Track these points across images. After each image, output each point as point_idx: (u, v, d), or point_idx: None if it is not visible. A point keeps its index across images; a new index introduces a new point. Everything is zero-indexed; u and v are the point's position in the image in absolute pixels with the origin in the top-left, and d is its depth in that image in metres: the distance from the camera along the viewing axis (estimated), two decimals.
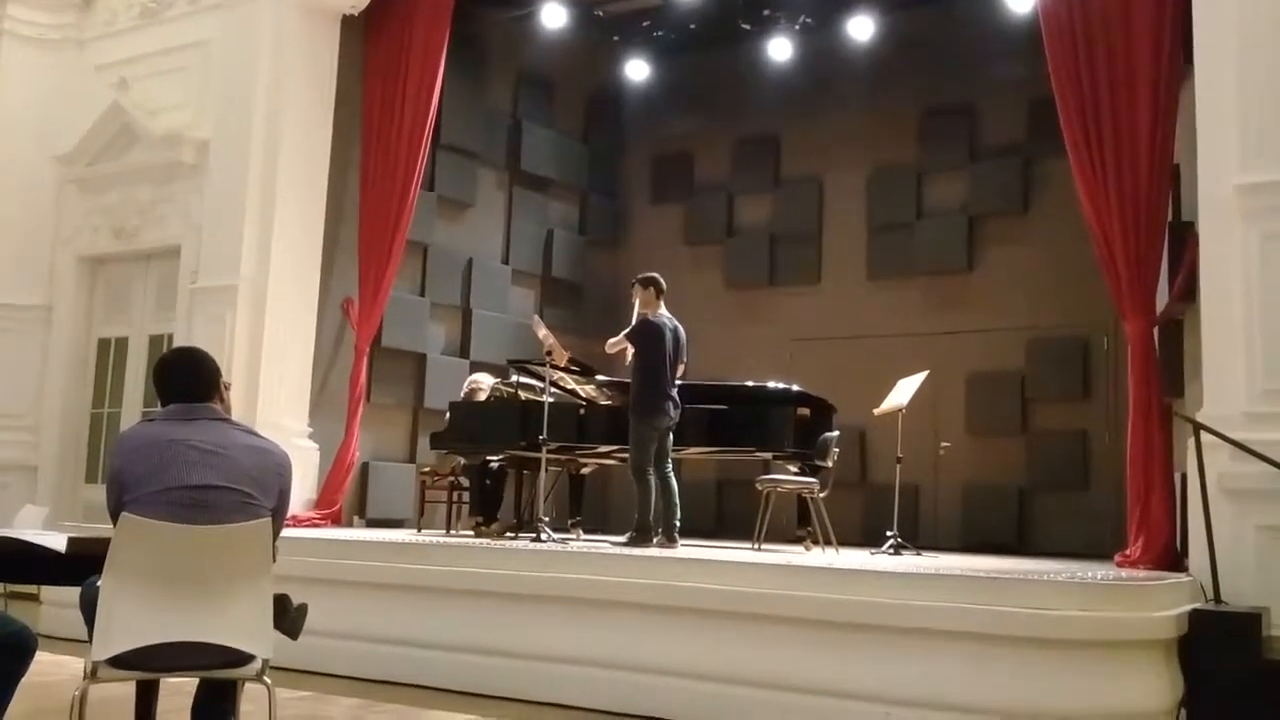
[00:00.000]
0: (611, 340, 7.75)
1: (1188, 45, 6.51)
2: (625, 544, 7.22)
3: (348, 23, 9.58)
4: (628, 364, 7.66)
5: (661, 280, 7.62)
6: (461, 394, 9.12)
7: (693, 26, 11.17)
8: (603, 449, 8.30)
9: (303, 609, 3.79)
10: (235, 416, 3.84)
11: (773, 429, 8.10)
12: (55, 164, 10.24)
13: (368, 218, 9.50)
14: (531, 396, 8.35)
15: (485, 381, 9.08)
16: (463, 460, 8.88)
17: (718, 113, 12.00)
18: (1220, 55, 6.18)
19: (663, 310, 7.56)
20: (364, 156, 9.62)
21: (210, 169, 9.39)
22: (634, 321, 7.58)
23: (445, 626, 6.42)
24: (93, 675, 3.31)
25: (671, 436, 7.50)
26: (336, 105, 9.46)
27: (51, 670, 5.48)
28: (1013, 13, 9.46)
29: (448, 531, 8.89)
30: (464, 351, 10.77)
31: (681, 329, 7.60)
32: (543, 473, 7.89)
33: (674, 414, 7.41)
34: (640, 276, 7.70)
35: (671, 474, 7.48)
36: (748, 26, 11.02)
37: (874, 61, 10.73)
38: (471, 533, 8.52)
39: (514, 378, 8.80)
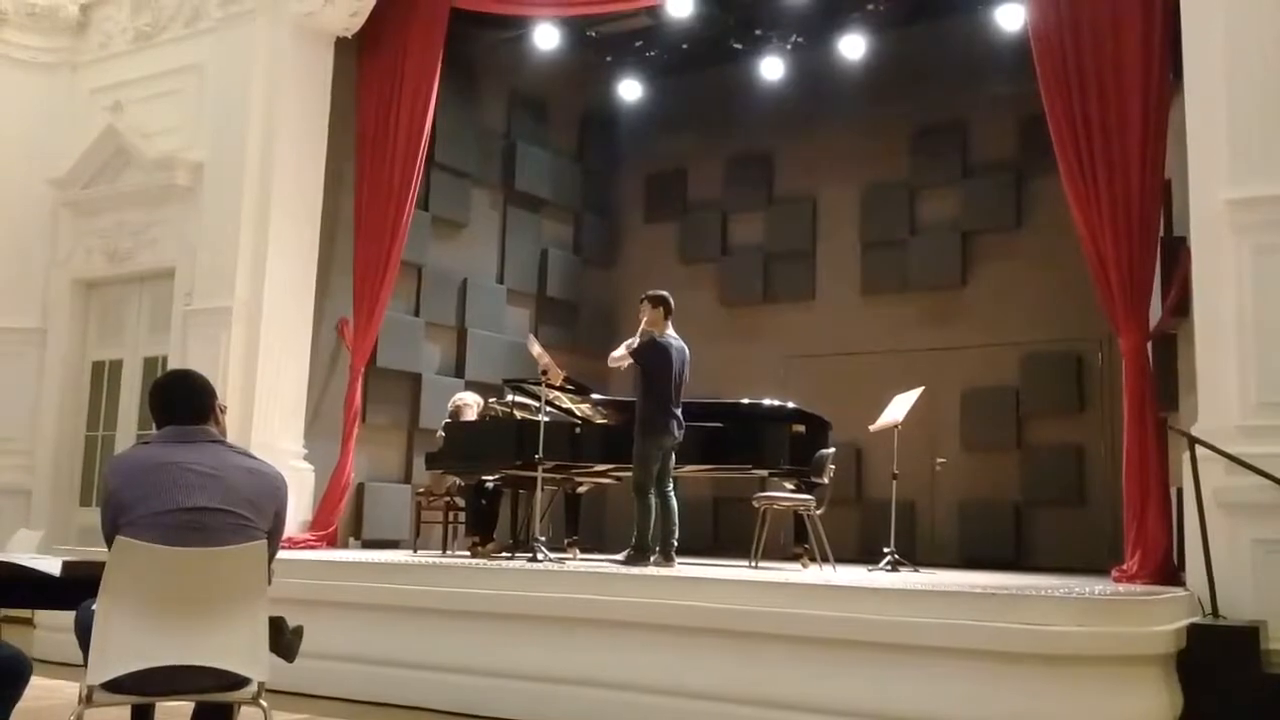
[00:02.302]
0: (615, 354, 7.74)
1: (1177, 60, 6.55)
2: (622, 563, 7.21)
3: (341, 45, 9.61)
4: (623, 368, 7.65)
5: (671, 300, 7.62)
6: (447, 413, 9.10)
7: (685, 46, 11.22)
8: (599, 467, 8.30)
9: (299, 631, 3.78)
10: (230, 438, 3.83)
11: (768, 446, 8.11)
12: (49, 187, 10.24)
13: (362, 238, 9.51)
14: (527, 416, 8.35)
15: (471, 399, 9.08)
16: (458, 480, 8.87)
17: (711, 131, 12.04)
18: (1210, 70, 6.21)
19: (670, 330, 7.57)
20: (358, 177, 9.64)
21: (205, 191, 9.40)
22: (639, 338, 7.57)
23: (442, 648, 6.40)
24: (88, 700, 3.30)
25: (674, 456, 7.50)
26: (330, 127, 9.48)
27: (46, 695, 5.44)
28: (1003, 30, 9.52)
29: (444, 552, 8.87)
30: (459, 371, 10.77)
31: (686, 349, 7.61)
32: (538, 492, 7.88)
33: (678, 433, 7.41)
34: (651, 294, 7.68)
35: (672, 494, 7.48)
36: (740, 46, 11.07)
37: (866, 79, 10.77)
38: (468, 553, 8.50)
39: (509, 397, 8.80)
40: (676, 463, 7.76)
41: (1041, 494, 9.98)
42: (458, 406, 9.04)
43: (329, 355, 9.53)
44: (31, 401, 10.17)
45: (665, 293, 7.66)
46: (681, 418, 7.44)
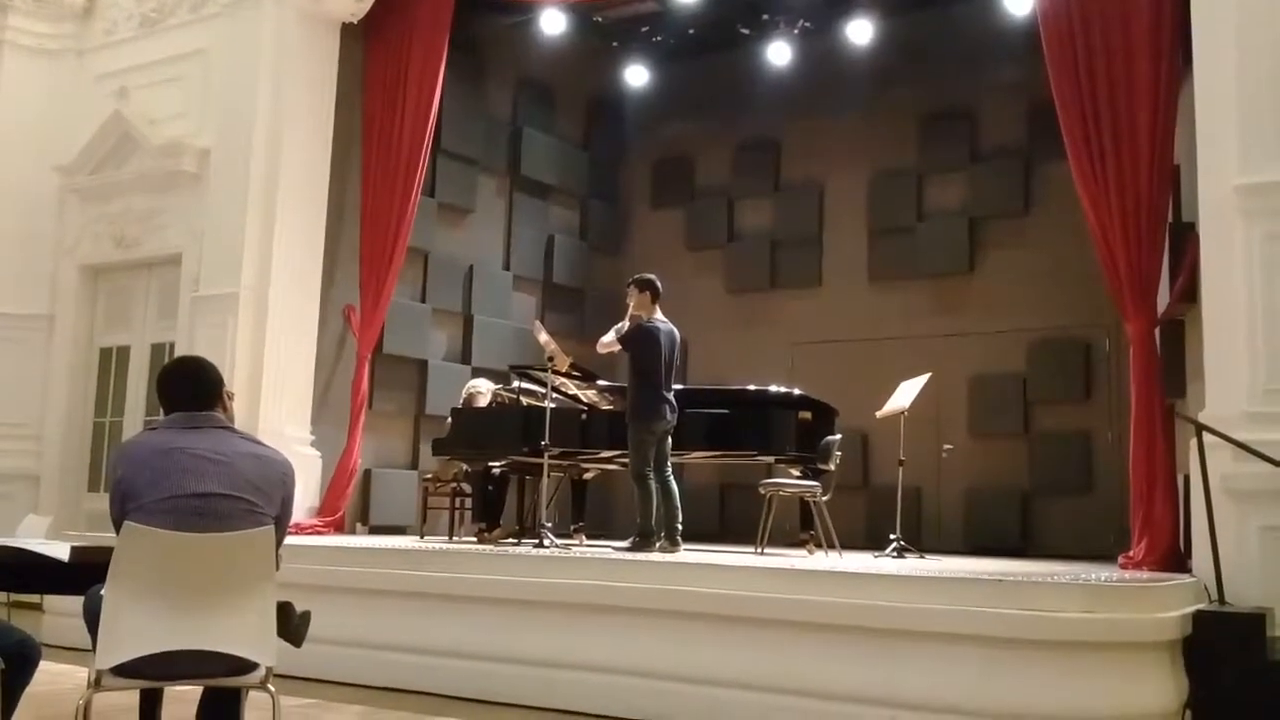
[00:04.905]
0: (604, 339, 7.74)
1: (1186, 46, 6.52)
2: (628, 549, 7.22)
3: (347, 30, 9.60)
4: (614, 354, 7.67)
5: (658, 283, 7.59)
6: (460, 399, 9.12)
7: (692, 32, 11.19)
8: (605, 454, 8.30)
9: (306, 616, 3.79)
10: (237, 424, 3.84)
11: (775, 433, 8.09)
12: (56, 173, 10.26)
13: (369, 224, 9.51)
14: (533, 402, 8.36)
15: (484, 386, 9.09)
16: (465, 466, 8.88)
17: (718, 117, 12.01)
18: (1219, 56, 6.18)
19: (658, 314, 7.55)
20: (365, 163, 9.63)
21: (211, 177, 9.41)
22: (627, 323, 7.56)
23: (448, 633, 6.42)
24: (96, 684, 3.31)
25: (670, 440, 7.49)
26: (337, 112, 9.47)
27: (55, 680, 5.47)
28: (1011, 15, 9.46)
29: (450, 538, 8.88)
30: (465, 358, 10.78)
31: (677, 332, 7.59)
32: (545, 478, 7.89)
33: (671, 418, 7.39)
34: (636, 278, 7.67)
35: (671, 478, 7.47)
36: (747, 31, 11.03)
37: (873, 65, 10.73)
38: (474, 539, 8.52)
39: (515, 383, 8.81)
40: (684, 448, 7.76)
41: (1048, 481, 9.97)
42: (471, 394, 9.05)
43: (336, 342, 9.55)
44: (40, 387, 10.21)
45: (652, 276, 7.63)
46: (674, 401, 7.41)
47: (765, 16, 10.85)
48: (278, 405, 8.94)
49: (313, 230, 9.32)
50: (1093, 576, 5.63)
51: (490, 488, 8.78)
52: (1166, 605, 5.24)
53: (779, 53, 11.06)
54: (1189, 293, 6.60)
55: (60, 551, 3.90)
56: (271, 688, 3.48)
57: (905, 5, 10.48)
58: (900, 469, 8.02)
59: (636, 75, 11.90)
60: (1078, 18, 7.02)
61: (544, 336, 7.84)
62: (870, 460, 10.46)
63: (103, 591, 3.35)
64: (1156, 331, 6.80)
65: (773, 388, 8.75)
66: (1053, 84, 7.12)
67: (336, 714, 5.79)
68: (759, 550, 7.75)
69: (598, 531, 9.35)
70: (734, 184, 12.13)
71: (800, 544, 8.28)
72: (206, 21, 9.77)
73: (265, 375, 8.88)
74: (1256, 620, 5.29)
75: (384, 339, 9.71)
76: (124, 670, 3.31)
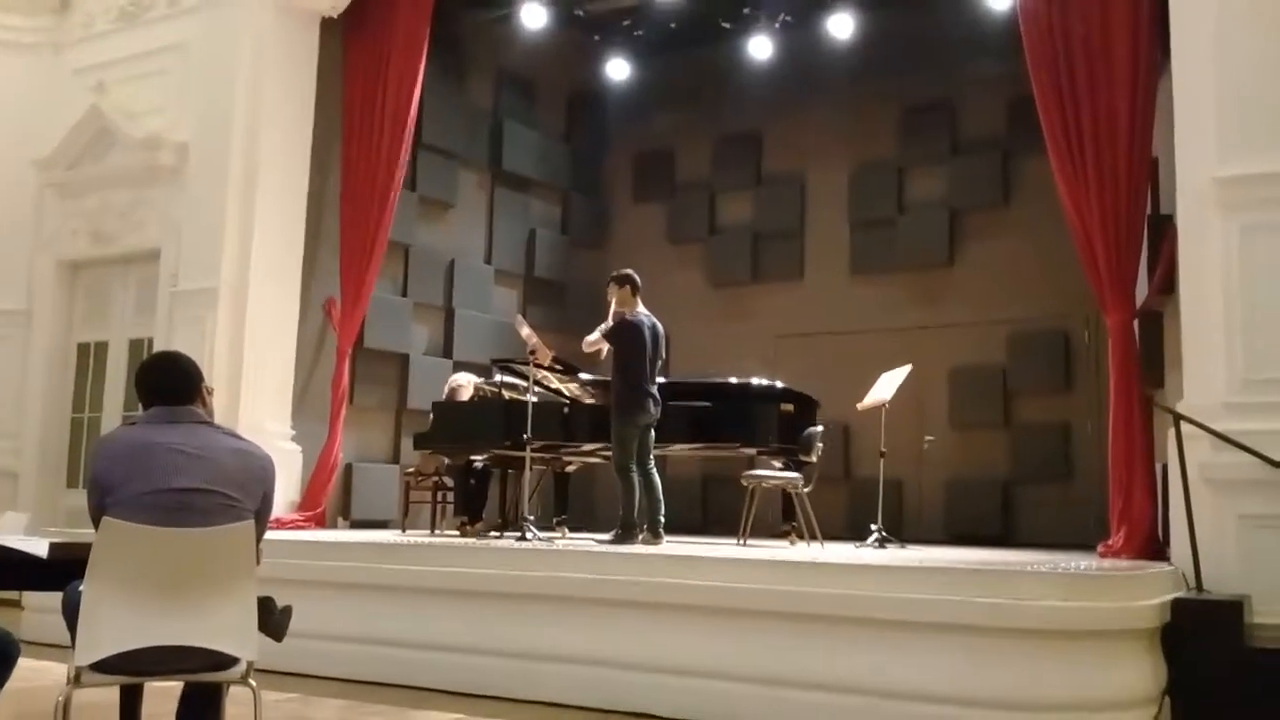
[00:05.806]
0: (589, 338, 7.75)
1: (1165, 38, 6.55)
2: (610, 541, 7.22)
3: (327, 24, 9.55)
4: (603, 358, 7.68)
5: (637, 277, 7.60)
6: (443, 394, 9.10)
7: (673, 25, 11.17)
8: (587, 447, 8.31)
9: (287, 611, 3.78)
10: (217, 419, 3.83)
11: (757, 425, 8.12)
12: (33, 168, 10.17)
13: (349, 218, 9.47)
14: (515, 396, 8.35)
15: (467, 380, 9.08)
16: (447, 460, 8.87)
17: (699, 111, 12.01)
18: (1198, 48, 6.22)
19: (640, 307, 7.56)
20: (345, 157, 9.58)
21: (190, 172, 9.35)
22: (610, 319, 7.57)
23: (431, 627, 6.42)
24: (76, 680, 3.30)
25: (653, 433, 7.50)
26: (316, 106, 9.42)
27: (34, 676, 5.44)
28: (991, 8, 9.51)
29: (432, 532, 8.88)
30: (447, 352, 10.76)
31: (660, 325, 7.60)
32: (527, 471, 7.90)
33: (654, 411, 7.40)
34: (615, 274, 7.68)
35: (654, 470, 7.48)
36: (728, 25, 11.02)
37: (854, 58, 10.74)
38: (456, 533, 8.51)
39: (498, 377, 8.80)
40: (666, 441, 7.77)
41: (1028, 471, 10.03)
42: (454, 388, 9.04)
43: (316, 336, 9.50)
44: (17, 384, 10.13)
45: (630, 271, 7.65)
46: (658, 395, 7.43)
47: (746, 10, 10.85)
48: (258, 400, 8.90)
49: (292, 224, 9.27)
50: (1072, 565, 5.67)
51: (472, 481, 8.78)
52: (1146, 593, 5.29)
53: (760, 46, 11.07)
54: (1167, 284, 6.64)
55: (39, 548, 3.88)
56: (253, 682, 3.48)
57: None
58: (881, 460, 8.05)
59: (618, 69, 11.89)
60: (1057, 11, 7.05)
61: (526, 330, 7.84)
62: (852, 452, 10.49)
63: (82, 587, 3.34)
64: (1135, 323, 6.84)
65: (755, 380, 8.77)
66: (1032, 76, 7.15)
67: (318, 708, 5.78)
68: (741, 541, 7.78)
69: (580, 524, 9.35)
70: (715, 177, 12.14)
71: (782, 535, 8.32)
72: (185, 15, 9.69)
73: (245, 370, 8.84)
74: (1234, 607, 5.34)
75: (365, 333, 9.68)
76: (104, 666, 3.30)
